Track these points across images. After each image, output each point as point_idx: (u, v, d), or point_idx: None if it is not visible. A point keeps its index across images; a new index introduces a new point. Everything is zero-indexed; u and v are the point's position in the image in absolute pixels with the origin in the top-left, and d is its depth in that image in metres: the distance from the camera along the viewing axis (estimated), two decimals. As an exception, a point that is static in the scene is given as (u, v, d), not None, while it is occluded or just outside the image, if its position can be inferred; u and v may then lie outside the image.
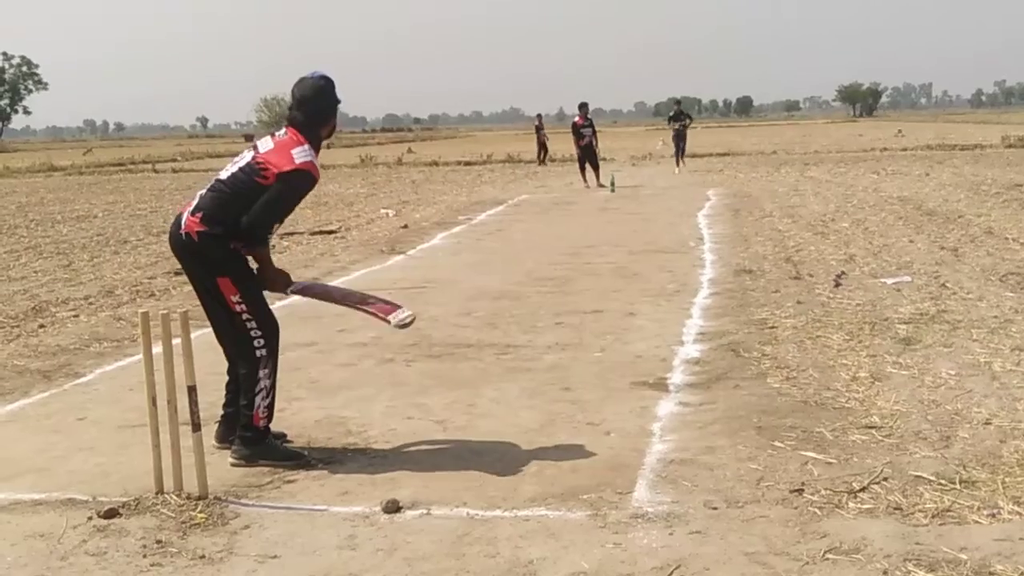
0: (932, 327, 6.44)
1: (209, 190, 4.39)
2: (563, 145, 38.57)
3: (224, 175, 4.41)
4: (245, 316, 4.34)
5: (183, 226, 4.32)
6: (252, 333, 4.35)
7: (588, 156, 21.60)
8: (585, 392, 5.35)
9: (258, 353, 4.36)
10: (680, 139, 26.57)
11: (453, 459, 4.35)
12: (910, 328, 6.43)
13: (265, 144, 4.42)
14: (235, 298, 4.32)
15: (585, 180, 21.34)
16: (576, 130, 21.83)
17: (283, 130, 4.43)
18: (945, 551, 3.22)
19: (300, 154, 4.28)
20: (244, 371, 4.39)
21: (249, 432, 4.38)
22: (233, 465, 4.33)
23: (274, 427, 4.50)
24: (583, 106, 22.33)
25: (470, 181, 25.31)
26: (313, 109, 4.37)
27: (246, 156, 4.43)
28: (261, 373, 4.36)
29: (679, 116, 27.06)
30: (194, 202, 4.37)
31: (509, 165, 33.27)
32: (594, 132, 21.78)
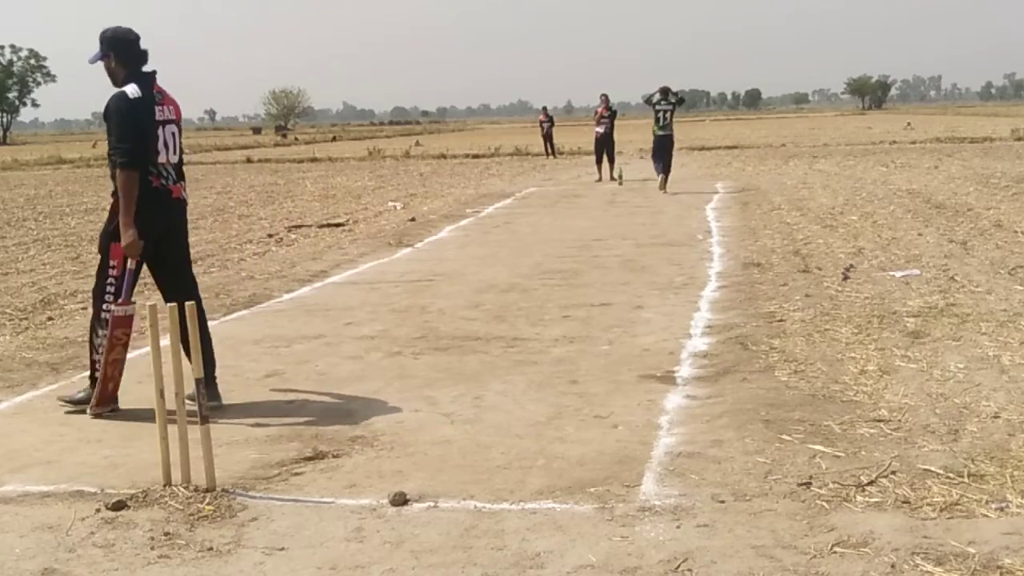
0: (941, 320, 6.42)
1: (175, 164, 5.15)
2: (569, 138, 38.60)
3: (178, 152, 5.17)
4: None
5: (182, 194, 5.20)
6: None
7: (606, 147, 21.61)
8: (592, 385, 5.35)
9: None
10: (663, 146, 17.95)
11: (460, 452, 4.34)
12: (919, 321, 6.41)
13: (168, 111, 5.10)
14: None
15: (600, 173, 21.31)
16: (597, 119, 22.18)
17: (143, 89, 4.98)
18: (953, 545, 3.21)
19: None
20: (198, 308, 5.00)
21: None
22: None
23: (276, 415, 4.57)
24: (604, 96, 22.50)
25: (478, 174, 25.31)
26: (131, 51, 5.06)
27: (173, 129, 5.11)
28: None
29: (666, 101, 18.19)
30: (170, 174, 5.11)
31: (517, 158, 33.25)
32: (612, 123, 21.98)
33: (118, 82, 5.02)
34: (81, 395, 5.20)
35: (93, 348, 5.16)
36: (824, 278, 8.16)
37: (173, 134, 5.10)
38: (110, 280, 5.07)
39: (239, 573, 3.24)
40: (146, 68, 5.06)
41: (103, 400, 5.07)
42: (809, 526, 3.42)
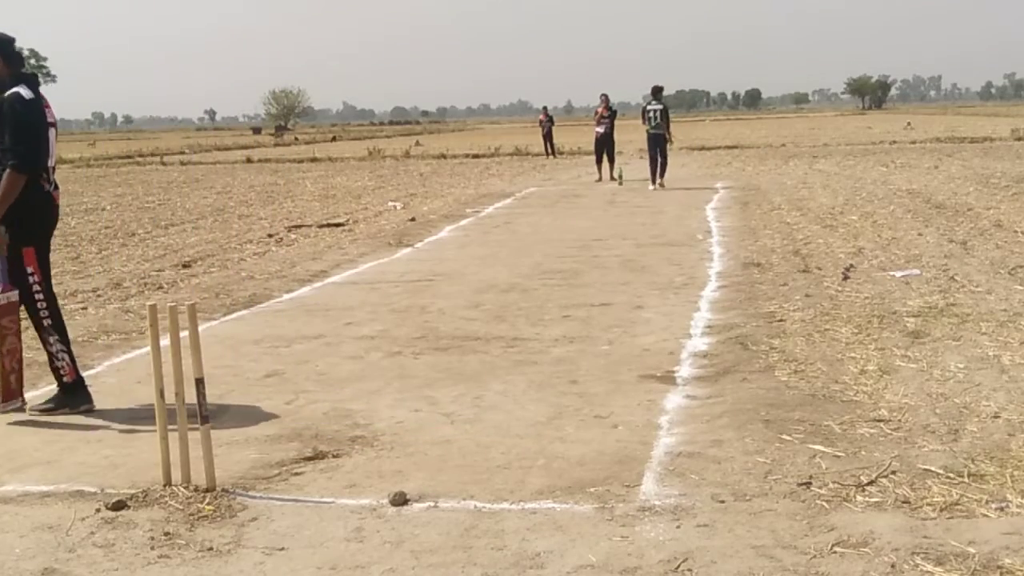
0: (941, 320, 6.42)
1: (53, 168, 5.10)
2: (569, 137, 38.60)
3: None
4: None
5: (58, 201, 5.16)
6: None
7: (607, 147, 21.65)
8: (592, 385, 5.35)
9: None
10: (656, 143, 18.89)
11: (460, 452, 4.35)
12: (919, 321, 6.41)
13: (51, 115, 5.11)
14: None
15: (600, 173, 21.33)
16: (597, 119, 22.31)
17: (32, 91, 4.94)
18: (953, 544, 3.21)
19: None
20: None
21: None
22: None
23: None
24: (604, 96, 22.53)
25: (478, 174, 25.31)
26: (14, 53, 5.05)
27: (53, 132, 5.10)
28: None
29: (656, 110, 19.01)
30: (51, 179, 5.08)
31: (517, 158, 33.26)
32: (612, 123, 22.04)
33: (4, 85, 4.94)
34: (50, 403, 5.19)
35: (52, 356, 5.16)
36: (824, 278, 8.16)
37: (53, 137, 5.12)
38: (35, 287, 5.05)
39: (239, 573, 3.24)
40: (25, 71, 5.04)
41: (8, 395, 5.06)
42: (809, 526, 3.42)
